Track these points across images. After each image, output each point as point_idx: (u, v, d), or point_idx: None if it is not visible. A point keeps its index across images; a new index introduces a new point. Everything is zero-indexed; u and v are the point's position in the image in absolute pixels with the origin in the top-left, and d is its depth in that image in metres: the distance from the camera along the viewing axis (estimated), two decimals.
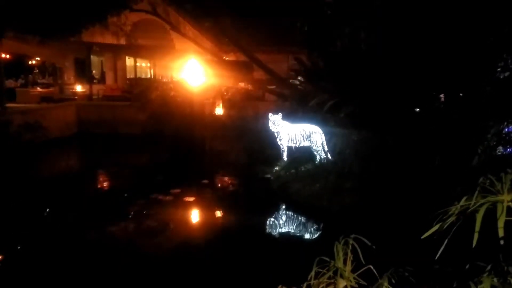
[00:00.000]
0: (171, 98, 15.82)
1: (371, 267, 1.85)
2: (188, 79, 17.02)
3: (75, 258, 5.75)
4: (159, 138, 13.91)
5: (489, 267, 1.51)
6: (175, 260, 5.79)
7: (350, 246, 1.83)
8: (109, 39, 17.66)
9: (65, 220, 7.28)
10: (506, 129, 6.99)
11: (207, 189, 9.59)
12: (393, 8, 8.00)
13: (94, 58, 21.81)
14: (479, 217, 1.39)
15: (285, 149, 9.37)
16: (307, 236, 7.10)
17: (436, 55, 7.37)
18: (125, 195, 8.90)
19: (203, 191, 9.28)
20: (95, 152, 14.19)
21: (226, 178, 10.83)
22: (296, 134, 9.22)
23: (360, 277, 1.83)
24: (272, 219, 7.66)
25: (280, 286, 1.99)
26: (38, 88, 19.56)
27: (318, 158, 9.16)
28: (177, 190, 8.84)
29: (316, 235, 7.03)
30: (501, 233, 1.35)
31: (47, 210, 7.80)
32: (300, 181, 8.49)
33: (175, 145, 13.42)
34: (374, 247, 1.89)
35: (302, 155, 9.35)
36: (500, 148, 7.00)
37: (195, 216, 8.13)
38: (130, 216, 7.61)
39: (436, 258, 1.65)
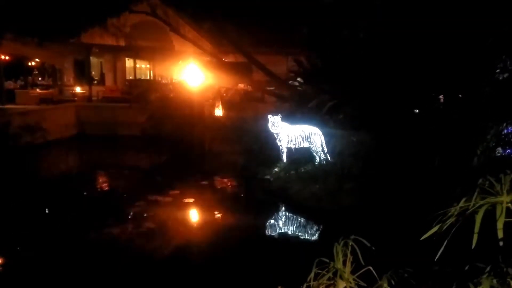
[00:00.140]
0: (171, 99, 15.82)
1: (371, 268, 1.85)
2: (187, 80, 17.03)
3: (74, 259, 5.74)
4: (159, 139, 13.91)
5: (488, 268, 1.51)
6: (175, 261, 5.78)
7: (350, 247, 1.83)
8: (108, 41, 17.68)
9: (64, 221, 7.28)
10: (505, 130, 7.00)
11: (207, 190, 9.58)
12: (393, 9, 8.01)
13: (93, 60, 21.77)
14: (478, 218, 1.39)
15: (285, 150, 9.37)
16: (306, 237, 7.09)
17: (436, 56, 7.39)
18: (124, 196, 8.89)
19: (202, 192, 9.28)
20: (95, 154, 14.18)
21: (225, 179, 10.82)
22: (296, 135, 9.22)
23: (360, 278, 1.83)
24: (272, 220, 7.66)
25: (279, 287, 1.99)
26: (38, 90, 19.54)
27: (317, 159, 9.16)
28: (177, 191, 8.83)
29: (315, 236, 7.03)
30: (500, 234, 1.35)
31: (47, 211, 7.80)
32: (300, 182, 8.49)
33: (175, 146, 13.41)
34: (373, 248, 1.89)
35: (302, 156, 9.35)
36: (499, 149, 7.01)
37: (194, 217, 8.12)
38: (129, 217, 7.61)
39: (435, 259, 1.65)
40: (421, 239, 1.62)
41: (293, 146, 9.31)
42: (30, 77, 22.93)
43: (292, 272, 2.41)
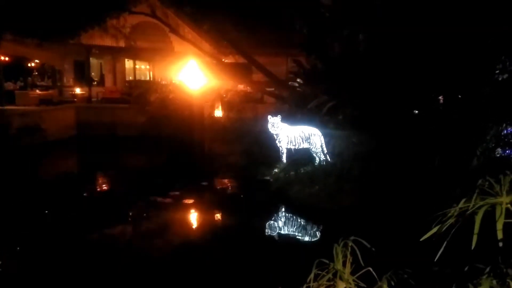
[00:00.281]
0: (170, 101, 15.82)
1: (371, 269, 1.85)
2: (187, 81, 17.03)
3: (74, 259, 5.74)
4: (159, 140, 13.91)
5: (488, 269, 1.51)
6: (175, 262, 5.78)
7: (350, 248, 1.83)
8: (108, 42, 17.68)
9: (64, 222, 7.27)
10: (505, 131, 7.01)
11: (207, 191, 9.58)
12: (392, 9, 8.02)
13: (93, 61, 21.79)
14: (478, 219, 1.39)
15: (284, 151, 9.37)
16: (306, 238, 7.09)
17: (435, 57, 7.39)
18: (124, 197, 8.88)
19: (202, 193, 9.27)
20: (94, 155, 14.17)
21: (225, 180, 10.82)
22: (295, 136, 9.22)
23: (360, 279, 1.83)
24: (272, 221, 7.66)
25: None
26: (37, 91, 19.51)
27: (317, 160, 9.16)
28: (177, 193, 8.83)
29: (315, 237, 7.02)
30: (499, 235, 1.35)
31: (46, 212, 7.79)
32: (300, 183, 8.49)
33: (174, 147, 13.42)
34: (373, 249, 1.89)
35: (301, 157, 9.34)
36: (499, 150, 7.02)
37: (194, 218, 8.12)
38: (129, 219, 7.60)
39: (435, 260, 1.65)
40: (420, 240, 1.62)
41: (292, 147, 9.31)
42: (29, 78, 22.90)
43: (292, 273, 2.41)
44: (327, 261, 1.81)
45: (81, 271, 5.44)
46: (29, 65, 23.46)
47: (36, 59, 22.54)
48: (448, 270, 1.75)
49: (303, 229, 7.46)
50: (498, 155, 6.98)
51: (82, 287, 5.12)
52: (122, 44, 18.32)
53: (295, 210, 8.02)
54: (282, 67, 17.22)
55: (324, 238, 6.73)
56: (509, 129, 6.99)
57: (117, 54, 21.34)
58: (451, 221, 1.51)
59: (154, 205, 8.13)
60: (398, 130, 7.73)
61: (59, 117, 15.71)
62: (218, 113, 16.64)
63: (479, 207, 1.43)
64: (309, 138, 9.15)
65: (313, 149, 9.17)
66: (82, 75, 20.83)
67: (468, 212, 1.46)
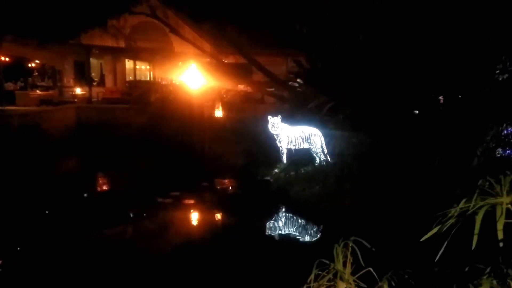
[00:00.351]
0: (171, 101, 15.81)
1: (371, 269, 1.85)
2: (187, 81, 17.04)
3: (74, 259, 5.74)
4: (159, 140, 13.89)
5: (488, 270, 1.51)
6: (175, 262, 5.78)
7: (350, 249, 1.83)
8: (108, 42, 17.69)
9: (64, 223, 7.27)
10: (505, 131, 7.00)
11: (207, 191, 9.58)
12: (393, 9, 8.02)
13: (93, 61, 21.80)
14: (478, 219, 1.39)
15: (285, 151, 9.37)
16: (306, 238, 7.09)
17: (435, 57, 7.39)
18: (125, 197, 8.88)
19: (202, 194, 9.28)
20: (95, 155, 14.17)
21: (225, 180, 10.83)
22: (296, 136, 9.22)
23: (360, 279, 1.83)
24: (272, 221, 7.66)
25: None
26: (38, 91, 19.52)
27: (317, 160, 9.16)
28: (177, 193, 8.83)
29: (315, 237, 7.02)
30: (500, 235, 1.35)
31: (47, 212, 7.79)
32: (300, 183, 8.49)
33: (175, 147, 13.40)
34: (373, 249, 1.89)
35: (302, 157, 9.35)
36: (499, 150, 7.02)
37: (194, 218, 8.12)
38: (129, 219, 7.60)
39: (435, 260, 1.65)
40: (421, 240, 1.62)
41: (293, 147, 9.31)
42: (30, 79, 22.92)
43: (292, 273, 2.41)
44: (327, 262, 1.81)
45: (81, 271, 5.44)
46: (29, 65, 23.48)
47: (37, 60, 22.56)
48: (448, 270, 1.75)
49: (304, 229, 7.46)
50: (498, 155, 6.97)
51: (82, 286, 5.12)
52: (122, 44, 18.34)
53: (295, 210, 8.02)
54: (282, 67, 17.21)
55: (325, 238, 6.73)
56: (509, 129, 6.98)
57: (117, 54, 21.35)
58: (451, 221, 1.51)
59: (154, 205, 8.13)
60: (398, 130, 7.73)
61: (59, 118, 15.71)
62: (218, 113, 16.63)
63: (480, 207, 1.42)
64: (310, 138, 9.15)
65: (313, 149, 9.17)
66: (83, 76, 20.84)
67: (469, 212, 1.46)
